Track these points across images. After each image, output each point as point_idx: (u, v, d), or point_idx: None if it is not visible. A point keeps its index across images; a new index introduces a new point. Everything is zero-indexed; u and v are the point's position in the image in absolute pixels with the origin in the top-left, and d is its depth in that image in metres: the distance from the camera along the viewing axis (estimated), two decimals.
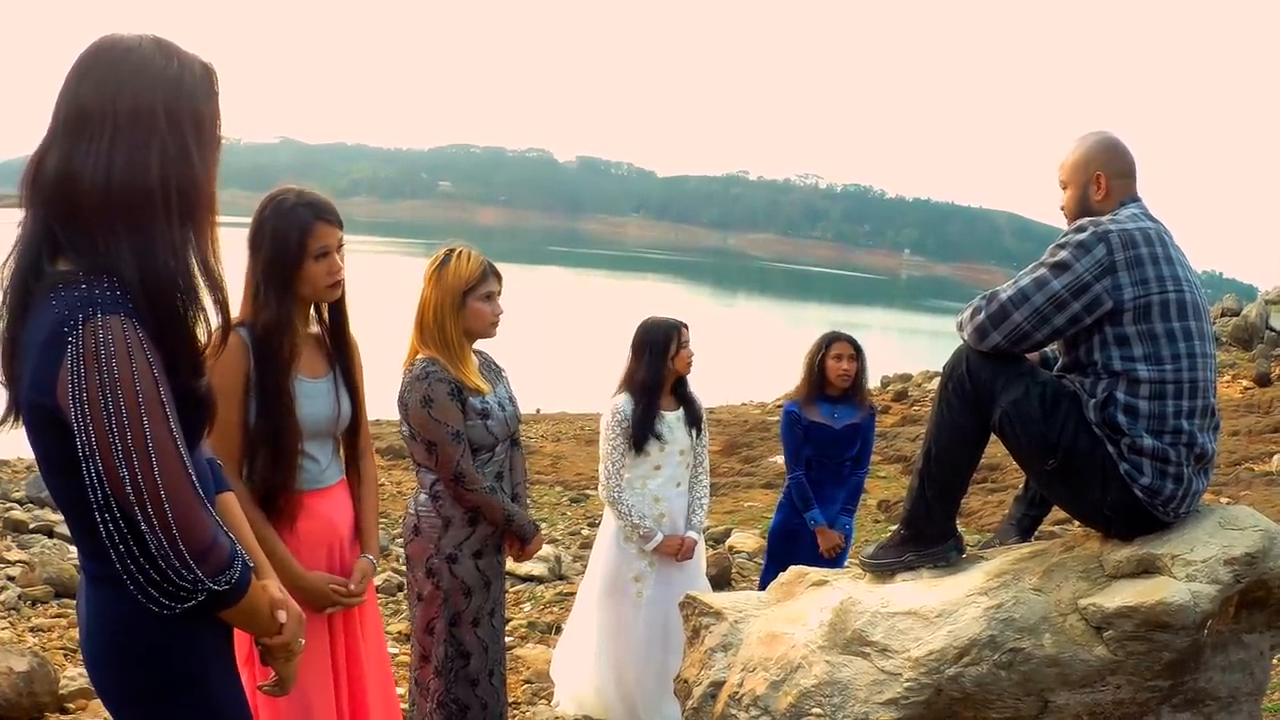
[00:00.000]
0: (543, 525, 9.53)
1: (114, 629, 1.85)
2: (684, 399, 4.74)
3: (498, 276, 3.63)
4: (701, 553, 4.87)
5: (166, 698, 1.89)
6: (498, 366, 3.84)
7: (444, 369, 3.49)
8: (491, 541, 3.65)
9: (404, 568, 4.01)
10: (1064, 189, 3.22)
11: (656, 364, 4.59)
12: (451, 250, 3.59)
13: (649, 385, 4.58)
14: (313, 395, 2.89)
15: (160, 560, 1.69)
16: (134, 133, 1.73)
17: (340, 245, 2.89)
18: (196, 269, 1.81)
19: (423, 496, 3.62)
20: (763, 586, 4.51)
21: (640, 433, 4.57)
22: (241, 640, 2.06)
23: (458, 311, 3.54)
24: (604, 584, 4.70)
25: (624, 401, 4.62)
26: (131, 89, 1.73)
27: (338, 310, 2.99)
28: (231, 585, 1.77)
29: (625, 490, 4.60)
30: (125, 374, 1.64)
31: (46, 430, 1.72)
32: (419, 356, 3.56)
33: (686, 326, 4.69)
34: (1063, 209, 3.23)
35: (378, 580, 6.56)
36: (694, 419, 4.75)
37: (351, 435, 3.06)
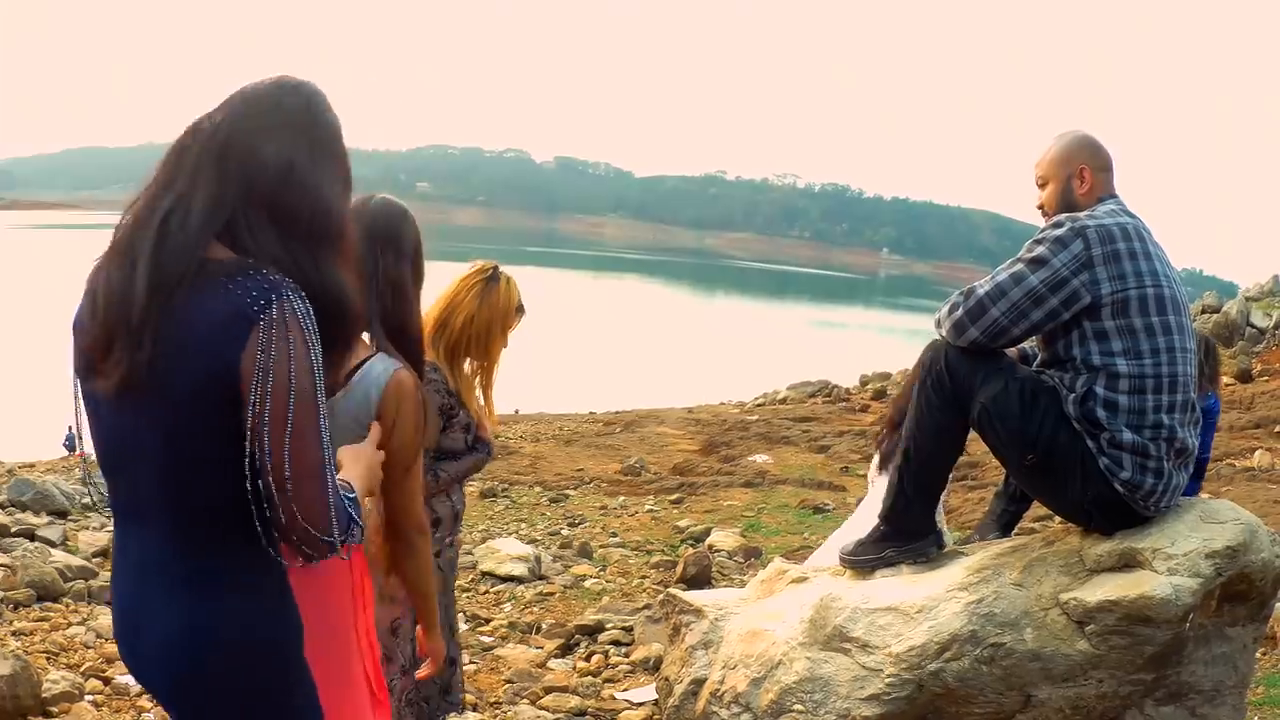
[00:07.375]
0: (522, 525, 9.50)
1: (226, 637, 1.76)
2: None
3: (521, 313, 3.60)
4: None
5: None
6: None
7: (445, 379, 3.43)
8: (451, 538, 3.63)
9: None
10: (1043, 185, 3.21)
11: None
12: (499, 270, 3.50)
13: None
14: None
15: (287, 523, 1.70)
16: (334, 169, 1.89)
17: None
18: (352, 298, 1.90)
19: None
20: None
21: None
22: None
23: (506, 333, 3.48)
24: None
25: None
26: (338, 136, 1.92)
27: None
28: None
29: None
30: (304, 355, 1.69)
31: (211, 407, 1.70)
32: None
33: None
34: (1041, 206, 3.22)
35: None
36: None
37: None
